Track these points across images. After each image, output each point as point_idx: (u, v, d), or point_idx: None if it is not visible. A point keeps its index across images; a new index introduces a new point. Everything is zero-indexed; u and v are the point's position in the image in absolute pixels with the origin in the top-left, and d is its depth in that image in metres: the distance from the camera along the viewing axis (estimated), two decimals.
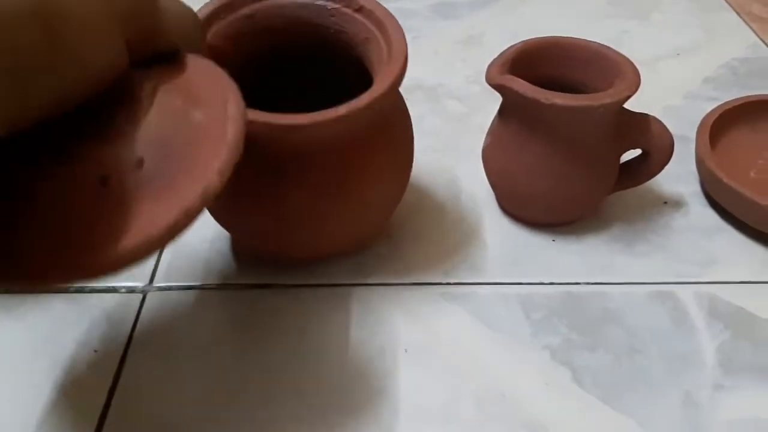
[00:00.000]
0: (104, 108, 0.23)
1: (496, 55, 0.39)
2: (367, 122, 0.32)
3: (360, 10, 0.35)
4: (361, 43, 0.35)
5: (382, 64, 0.33)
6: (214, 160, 0.21)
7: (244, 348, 0.35)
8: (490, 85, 0.37)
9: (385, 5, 0.35)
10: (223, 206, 0.35)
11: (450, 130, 0.51)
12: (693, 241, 0.42)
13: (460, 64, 0.60)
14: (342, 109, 0.29)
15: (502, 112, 0.40)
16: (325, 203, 0.33)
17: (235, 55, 0.35)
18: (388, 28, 0.34)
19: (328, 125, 0.29)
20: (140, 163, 0.22)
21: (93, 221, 0.21)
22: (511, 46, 0.39)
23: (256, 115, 0.29)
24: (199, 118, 0.23)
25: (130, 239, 0.21)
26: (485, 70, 0.38)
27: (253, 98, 0.37)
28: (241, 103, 0.24)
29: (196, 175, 0.21)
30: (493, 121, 0.41)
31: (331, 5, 0.35)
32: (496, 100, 0.40)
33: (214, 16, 0.34)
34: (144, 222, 0.21)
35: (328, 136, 0.31)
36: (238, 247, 0.41)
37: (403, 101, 0.37)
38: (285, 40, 0.37)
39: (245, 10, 0.35)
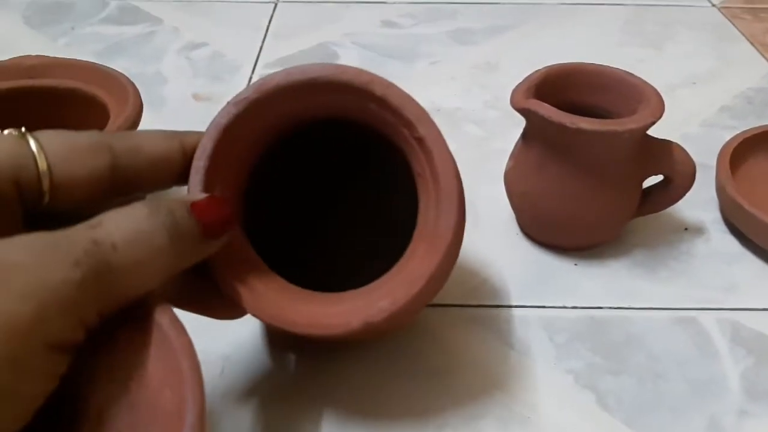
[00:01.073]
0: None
1: (513, 81, 0.39)
2: None
3: (420, 141, 0.28)
4: (414, 171, 0.30)
5: (427, 228, 0.28)
6: None
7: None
8: (516, 109, 0.38)
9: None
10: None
11: (469, 154, 0.52)
12: (714, 268, 0.42)
13: (477, 90, 0.60)
14: (356, 324, 0.27)
15: (525, 136, 0.41)
16: None
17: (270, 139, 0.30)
18: (442, 188, 0.28)
19: (361, 331, 0.27)
20: None
21: None
22: (535, 72, 0.40)
23: (282, 320, 0.28)
24: None
25: None
26: (504, 95, 0.39)
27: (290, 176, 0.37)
28: (202, 416, 0.20)
29: None
30: (516, 144, 0.42)
31: (385, 115, 0.28)
32: (514, 125, 0.41)
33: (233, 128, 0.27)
34: None
35: None
36: None
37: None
38: (327, 132, 0.32)
39: (288, 105, 0.28)
